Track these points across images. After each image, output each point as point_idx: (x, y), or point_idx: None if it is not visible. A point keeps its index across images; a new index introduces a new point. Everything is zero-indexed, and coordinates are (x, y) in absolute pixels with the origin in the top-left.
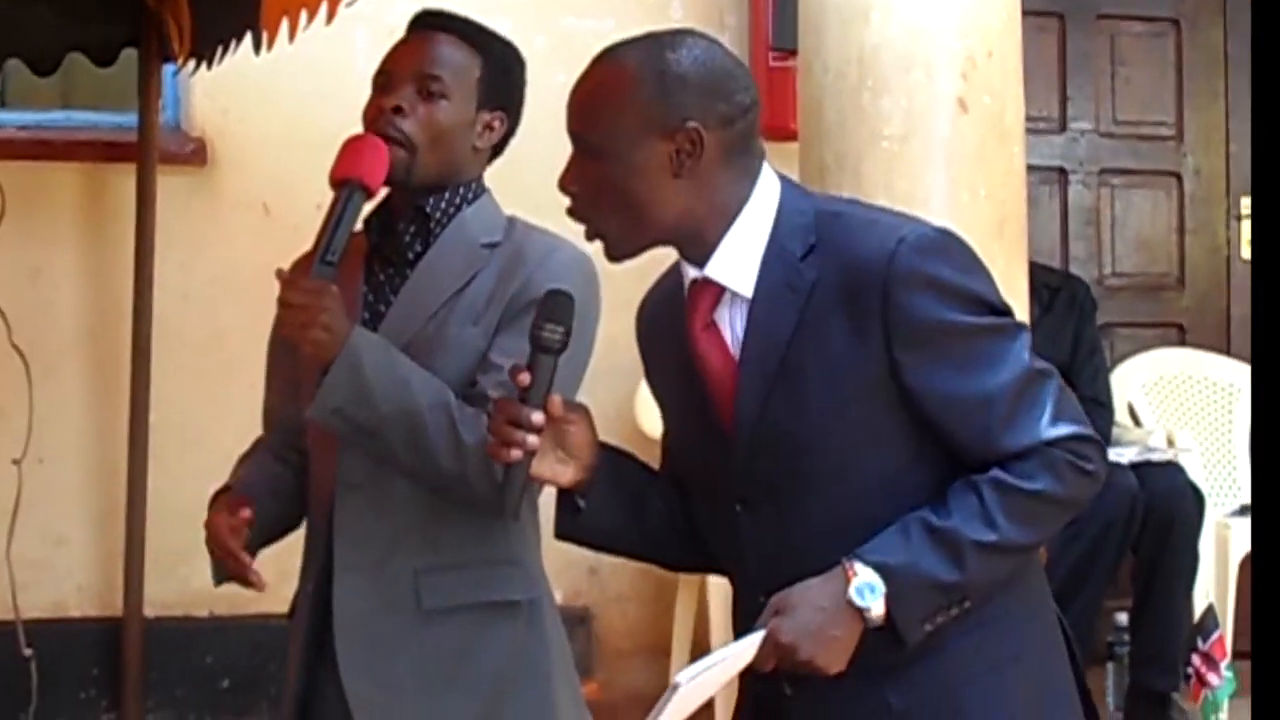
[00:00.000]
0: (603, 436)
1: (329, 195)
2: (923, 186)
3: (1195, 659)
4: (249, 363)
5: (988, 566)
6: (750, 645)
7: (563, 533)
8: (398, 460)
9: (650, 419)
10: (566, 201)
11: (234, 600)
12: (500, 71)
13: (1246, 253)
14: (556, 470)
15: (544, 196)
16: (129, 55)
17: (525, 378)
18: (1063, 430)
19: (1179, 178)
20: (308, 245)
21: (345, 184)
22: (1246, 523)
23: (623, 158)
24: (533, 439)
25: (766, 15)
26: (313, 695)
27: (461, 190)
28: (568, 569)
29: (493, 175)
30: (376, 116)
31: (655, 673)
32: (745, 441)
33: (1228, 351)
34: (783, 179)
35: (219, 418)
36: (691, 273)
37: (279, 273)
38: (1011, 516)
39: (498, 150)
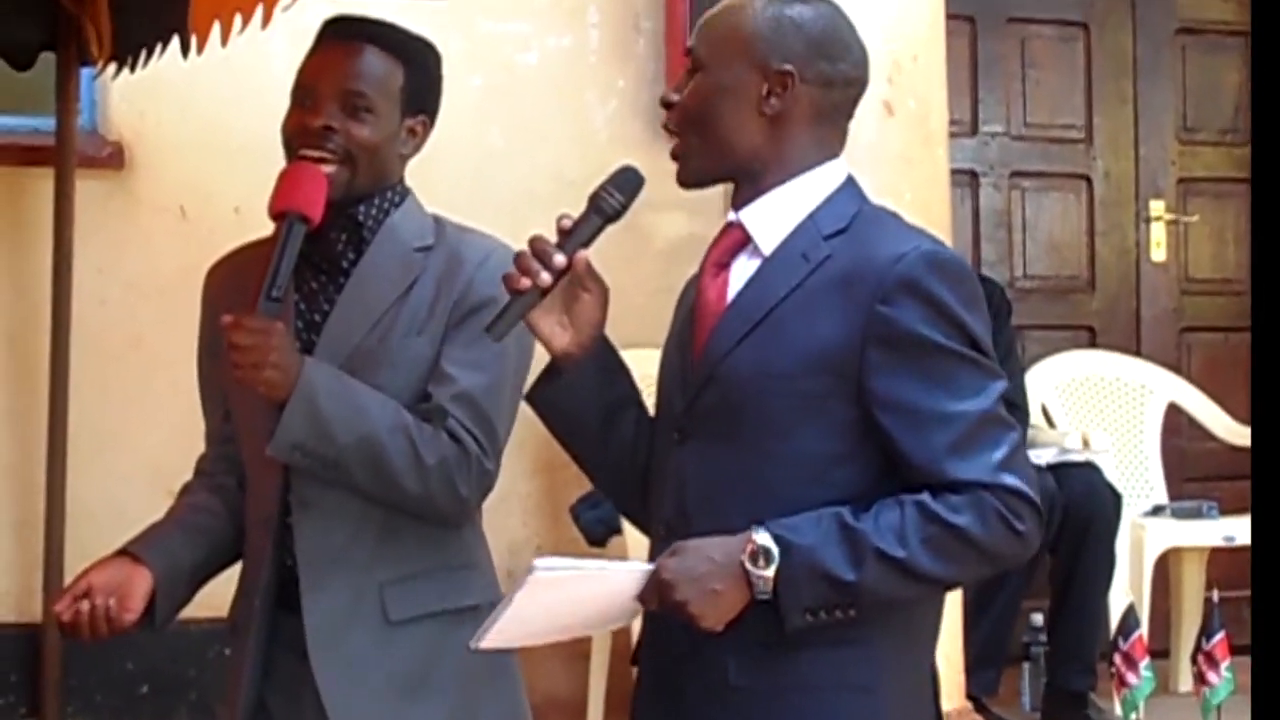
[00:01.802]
0: (524, 439)
1: (246, 199)
2: None
3: (1116, 658)
4: (167, 367)
5: (886, 581)
6: (630, 573)
7: (533, 397)
8: (359, 486)
9: None
10: (484, 206)
11: None
12: (421, 77)
13: (1155, 255)
14: (555, 331)
15: (461, 199)
16: (46, 59)
17: (568, 223)
18: (1006, 480)
19: (1089, 180)
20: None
21: (285, 215)
22: (1160, 523)
23: (720, 76)
24: (546, 276)
25: (683, 18)
26: (258, 713)
27: (389, 194)
28: None
29: (408, 180)
30: (302, 134)
31: (575, 675)
32: (703, 375)
33: (1138, 353)
34: (850, 176)
35: (137, 422)
36: (730, 214)
37: (224, 319)
38: (925, 542)
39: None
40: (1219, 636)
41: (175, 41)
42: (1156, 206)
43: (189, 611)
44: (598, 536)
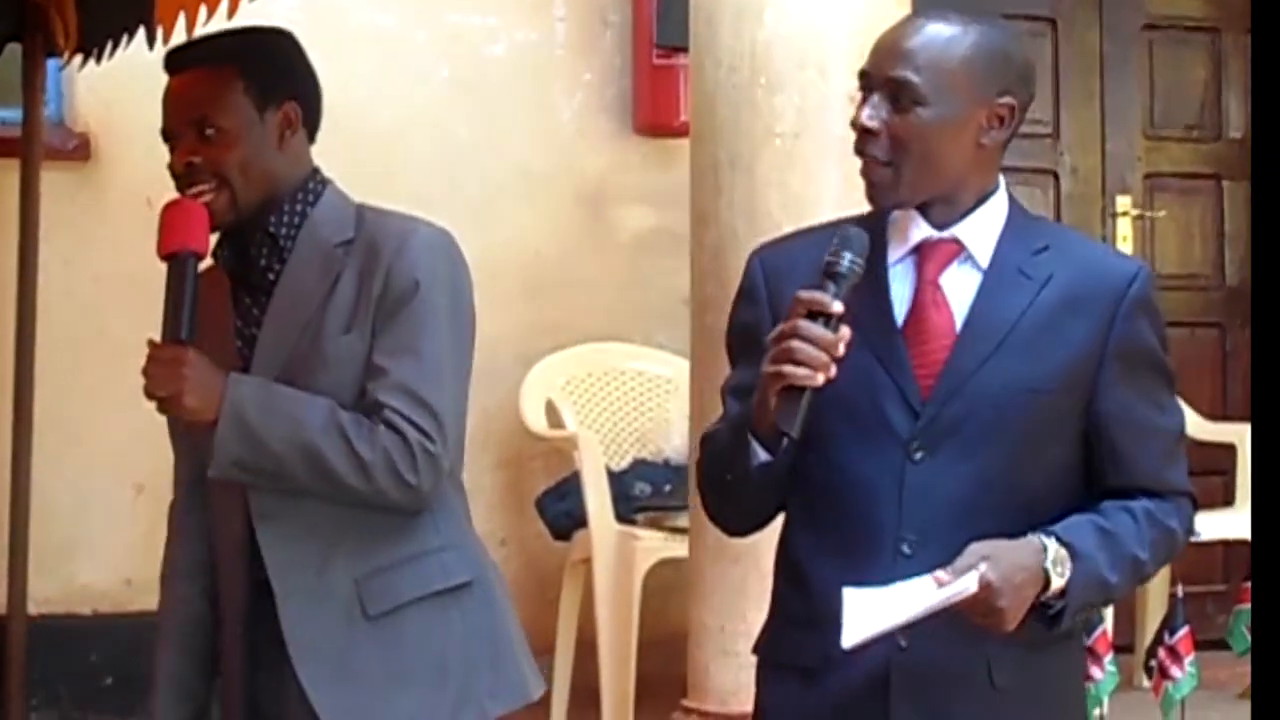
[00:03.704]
0: (486, 433)
1: None
2: (816, 184)
3: None
4: (133, 359)
5: (1128, 583)
6: (969, 581)
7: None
8: (309, 491)
9: (535, 414)
10: (450, 198)
11: (118, 598)
12: (262, 67)
13: (1122, 250)
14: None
15: (427, 191)
16: (12, 50)
17: (840, 306)
18: (1192, 490)
19: (1056, 176)
20: None
21: (176, 256)
22: None
23: (942, 110)
24: (834, 369)
25: (649, 13)
26: (262, 696)
27: (300, 195)
28: None
29: (374, 172)
30: (177, 178)
31: (540, 667)
32: (947, 391)
33: None
34: (1006, 187)
35: (103, 415)
36: (925, 231)
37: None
38: (1153, 545)
39: (313, 130)
40: (1183, 631)
41: (141, 32)
42: (1123, 202)
43: (154, 604)
44: (562, 529)
